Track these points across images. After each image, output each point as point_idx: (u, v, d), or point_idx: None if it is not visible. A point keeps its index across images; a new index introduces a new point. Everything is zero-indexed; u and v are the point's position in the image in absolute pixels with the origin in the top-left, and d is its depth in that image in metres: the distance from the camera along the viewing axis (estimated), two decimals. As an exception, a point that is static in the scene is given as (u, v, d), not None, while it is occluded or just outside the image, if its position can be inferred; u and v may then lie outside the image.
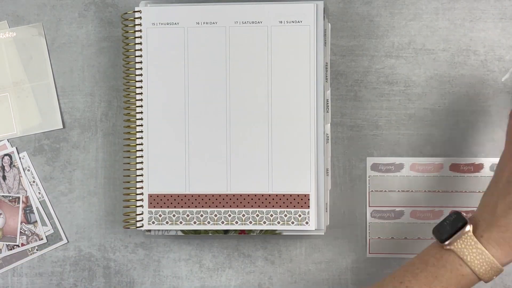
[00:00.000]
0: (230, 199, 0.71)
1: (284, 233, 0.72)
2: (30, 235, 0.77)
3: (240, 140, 0.71)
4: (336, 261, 0.75)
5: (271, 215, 0.71)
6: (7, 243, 0.77)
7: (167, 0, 0.74)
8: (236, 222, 0.71)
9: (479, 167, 0.74)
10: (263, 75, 0.71)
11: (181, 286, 0.76)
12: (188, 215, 0.71)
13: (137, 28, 0.72)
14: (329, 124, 0.73)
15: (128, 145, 0.73)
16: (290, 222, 0.71)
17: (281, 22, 0.71)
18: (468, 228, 0.59)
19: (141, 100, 0.72)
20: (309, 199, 0.70)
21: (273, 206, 0.71)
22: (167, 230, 0.73)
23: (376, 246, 0.75)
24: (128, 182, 0.73)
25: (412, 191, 0.75)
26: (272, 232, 0.72)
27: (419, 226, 0.74)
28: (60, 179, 0.77)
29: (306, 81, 0.70)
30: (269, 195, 0.71)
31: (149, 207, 0.72)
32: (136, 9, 0.72)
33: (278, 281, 0.76)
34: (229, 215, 0.71)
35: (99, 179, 0.77)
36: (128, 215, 0.73)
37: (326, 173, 0.72)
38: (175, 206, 0.71)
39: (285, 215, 0.70)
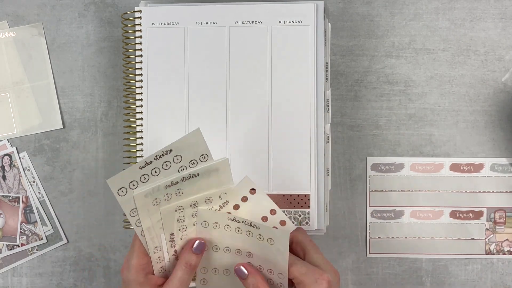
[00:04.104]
0: (230, 199, 0.71)
1: (284, 233, 0.72)
2: (30, 235, 0.77)
3: (240, 140, 0.71)
4: (336, 261, 0.75)
5: (271, 215, 0.71)
6: (7, 243, 0.77)
7: (167, 0, 0.74)
8: (236, 222, 0.71)
9: (479, 167, 0.74)
10: (263, 75, 0.71)
11: (181, 286, 0.76)
12: (188, 215, 0.71)
13: (137, 28, 0.72)
14: (329, 124, 0.73)
15: (128, 145, 0.73)
16: (290, 222, 0.70)
17: (281, 22, 0.71)
18: None
19: (141, 100, 0.72)
20: (309, 199, 0.70)
21: (273, 206, 0.70)
22: (167, 230, 0.73)
23: (376, 246, 0.75)
24: (128, 182, 0.73)
25: (412, 191, 0.75)
26: (272, 232, 0.72)
27: (419, 226, 0.74)
28: (60, 179, 0.77)
29: (306, 81, 0.70)
30: (269, 195, 0.70)
31: (149, 207, 0.71)
32: (136, 9, 0.72)
33: (278, 281, 0.76)
34: (229, 215, 0.71)
35: (99, 179, 0.77)
36: (128, 215, 0.73)
37: (326, 173, 0.72)
38: (175, 206, 0.71)
39: (286, 215, 0.70)
